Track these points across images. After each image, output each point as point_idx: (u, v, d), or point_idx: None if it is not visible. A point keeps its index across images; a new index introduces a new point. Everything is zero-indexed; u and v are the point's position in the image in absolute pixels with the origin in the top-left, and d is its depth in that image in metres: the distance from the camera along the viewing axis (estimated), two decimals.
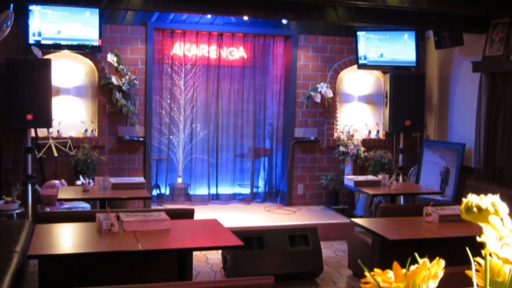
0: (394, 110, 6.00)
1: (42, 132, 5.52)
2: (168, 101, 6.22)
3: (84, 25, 5.39)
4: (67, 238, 2.96)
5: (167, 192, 6.33)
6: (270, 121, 6.69)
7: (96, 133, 5.78)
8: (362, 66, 6.27)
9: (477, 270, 0.81)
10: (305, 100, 6.30)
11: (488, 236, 0.76)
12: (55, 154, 5.38)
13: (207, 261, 4.70)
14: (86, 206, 5.02)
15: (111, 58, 5.60)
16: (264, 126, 6.66)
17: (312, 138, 6.35)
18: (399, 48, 6.20)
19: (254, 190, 6.59)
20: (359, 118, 6.58)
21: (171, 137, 6.30)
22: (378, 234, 3.25)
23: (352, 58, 6.37)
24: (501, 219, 0.77)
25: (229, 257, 4.09)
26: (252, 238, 4.12)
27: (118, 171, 5.74)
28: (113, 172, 5.58)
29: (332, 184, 6.25)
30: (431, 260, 0.81)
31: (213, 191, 6.47)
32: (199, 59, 6.26)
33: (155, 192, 6.24)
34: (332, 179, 6.24)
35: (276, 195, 6.56)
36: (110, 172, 5.45)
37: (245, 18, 5.69)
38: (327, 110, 6.40)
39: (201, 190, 6.45)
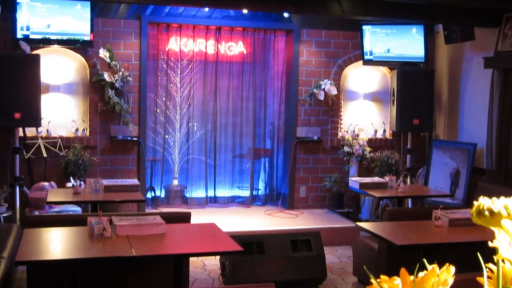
0: (401, 108, 6.00)
1: (30, 131, 5.52)
2: (164, 98, 6.22)
3: (75, 19, 5.39)
4: (57, 243, 2.96)
5: (162, 195, 6.33)
6: (270, 120, 6.69)
7: (87, 133, 5.78)
8: (367, 62, 6.27)
9: (489, 277, 0.81)
10: (307, 98, 6.31)
11: (500, 241, 0.76)
12: (44, 154, 5.38)
13: (205, 267, 4.70)
14: (77, 209, 5.03)
15: (103, 53, 5.60)
16: (265, 125, 6.66)
17: (315, 137, 6.35)
18: (407, 43, 6.20)
19: (254, 192, 6.59)
20: (364, 117, 6.59)
21: (166, 136, 6.31)
22: (384, 239, 3.25)
23: (357, 54, 6.37)
24: None
25: (228, 263, 4.09)
26: (252, 243, 4.12)
27: (111, 172, 5.74)
28: (105, 173, 5.58)
29: (336, 187, 6.25)
30: (440, 266, 0.80)
31: (210, 193, 6.47)
32: (196, 54, 6.27)
33: (149, 195, 6.24)
34: (336, 181, 6.24)
35: (277, 197, 6.57)
36: (102, 174, 5.45)
37: (245, 11, 5.69)
38: (331, 109, 6.40)
39: (198, 192, 6.45)
